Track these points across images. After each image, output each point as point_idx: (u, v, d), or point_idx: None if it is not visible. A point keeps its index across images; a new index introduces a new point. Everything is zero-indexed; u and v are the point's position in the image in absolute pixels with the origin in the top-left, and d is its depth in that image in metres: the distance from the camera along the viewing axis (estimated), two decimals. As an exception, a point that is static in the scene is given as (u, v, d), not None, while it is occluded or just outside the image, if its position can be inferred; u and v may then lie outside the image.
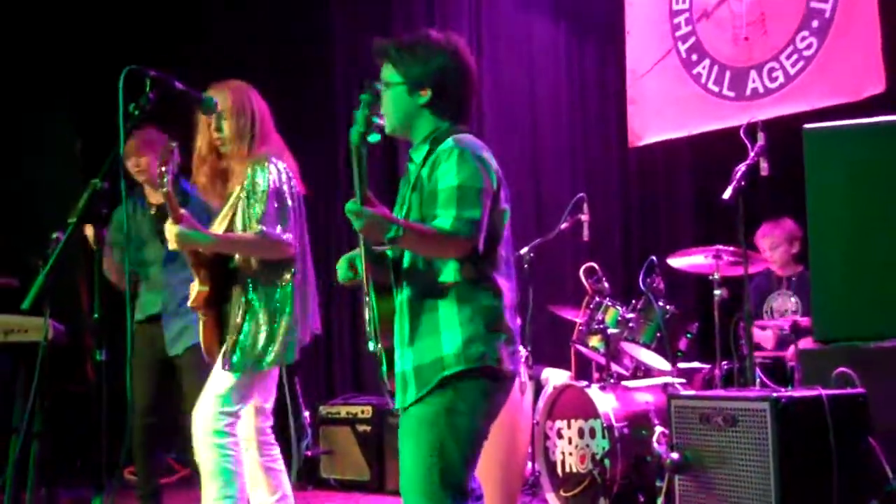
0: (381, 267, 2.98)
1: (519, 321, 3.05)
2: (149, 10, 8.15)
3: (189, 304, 4.02)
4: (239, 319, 3.93)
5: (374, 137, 2.83)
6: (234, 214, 4.00)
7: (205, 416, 3.93)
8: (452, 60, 2.99)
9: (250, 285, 3.96)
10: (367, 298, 3.03)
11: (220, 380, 3.94)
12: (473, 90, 3.05)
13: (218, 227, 4.02)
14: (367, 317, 3.09)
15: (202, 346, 4.07)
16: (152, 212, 5.07)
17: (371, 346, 3.08)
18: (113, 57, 7.02)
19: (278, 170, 3.99)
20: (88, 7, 8.10)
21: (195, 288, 3.98)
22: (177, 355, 4.89)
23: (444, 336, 2.85)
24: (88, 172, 3.44)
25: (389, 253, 2.97)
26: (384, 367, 3.01)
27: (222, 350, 3.96)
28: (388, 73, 3.00)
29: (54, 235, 4.07)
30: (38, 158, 8.06)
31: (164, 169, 3.73)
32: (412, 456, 2.88)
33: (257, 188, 3.93)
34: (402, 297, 2.94)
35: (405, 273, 2.93)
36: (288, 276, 3.99)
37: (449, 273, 2.87)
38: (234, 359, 3.91)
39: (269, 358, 3.93)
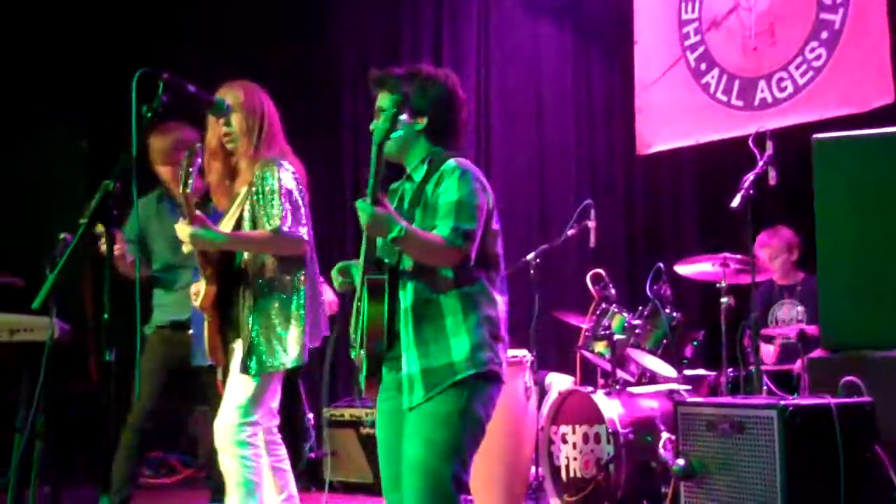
0: (377, 272, 3.11)
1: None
2: (158, 10, 8.17)
3: (197, 304, 4.01)
4: (249, 322, 3.93)
5: (395, 134, 3.03)
6: (241, 215, 4.00)
7: (227, 426, 3.93)
8: (447, 91, 3.24)
9: (260, 287, 3.95)
10: (359, 303, 3.17)
11: (238, 388, 3.94)
12: (463, 120, 3.31)
13: (225, 226, 4.02)
14: (353, 323, 3.25)
15: (206, 347, 4.06)
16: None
17: (353, 353, 3.25)
18: (120, 58, 7.07)
19: (288, 172, 4.00)
20: (97, 8, 8.11)
21: (202, 288, 3.97)
22: (202, 366, 4.72)
23: (452, 342, 3.05)
24: (95, 173, 3.43)
25: (387, 259, 3.11)
26: (364, 373, 3.18)
27: (238, 355, 3.96)
28: (386, 100, 3.22)
29: (62, 236, 4.05)
30: (45, 158, 8.05)
31: (190, 170, 3.76)
32: (424, 453, 3.01)
33: (267, 189, 3.93)
34: (406, 303, 3.09)
35: (410, 281, 3.09)
36: (298, 279, 3.99)
37: (454, 284, 3.08)
38: (252, 363, 3.91)
39: (283, 360, 3.92)
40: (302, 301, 3.98)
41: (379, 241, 3.09)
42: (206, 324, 4.04)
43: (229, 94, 4.01)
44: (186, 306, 4.85)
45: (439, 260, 3.04)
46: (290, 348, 3.93)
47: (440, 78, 3.26)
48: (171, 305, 5.06)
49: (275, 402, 4.23)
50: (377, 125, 3.03)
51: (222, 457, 3.95)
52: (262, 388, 3.95)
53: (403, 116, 3.02)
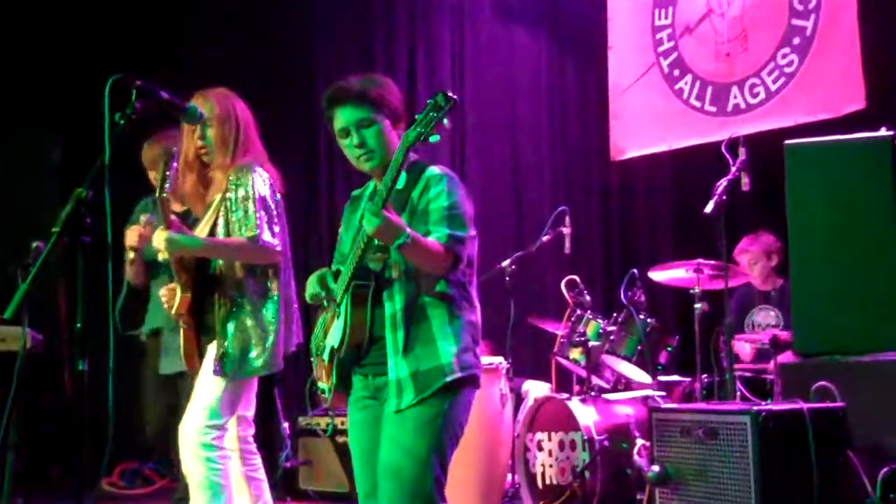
0: (362, 279, 3.10)
1: None
2: (131, 18, 8.13)
3: (172, 311, 3.99)
4: (224, 328, 3.91)
5: (434, 138, 2.87)
6: (215, 222, 3.99)
7: (193, 428, 3.89)
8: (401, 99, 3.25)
9: (235, 292, 3.94)
10: (337, 308, 3.16)
11: (207, 391, 3.91)
12: None
13: (199, 233, 4.00)
14: (321, 329, 3.27)
15: (182, 354, 4.03)
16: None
17: (324, 357, 3.23)
18: (94, 65, 7.03)
19: (262, 178, 3.99)
20: (70, 16, 8.07)
21: (178, 294, 3.95)
22: (178, 373, 4.64)
23: (440, 345, 3.06)
24: (67, 181, 3.41)
25: (373, 266, 3.10)
26: (334, 382, 3.18)
27: (213, 356, 3.93)
28: (365, 112, 3.14)
29: (35, 245, 4.03)
30: (17, 166, 8.01)
31: (168, 174, 3.78)
32: (405, 460, 3.01)
33: (240, 195, 3.92)
34: (393, 309, 3.08)
35: (397, 287, 3.09)
36: (273, 284, 3.98)
37: (440, 289, 3.09)
38: (225, 366, 3.89)
39: (258, 364, 3.91)
40: (276, 307, 3.97)
41: (362, 247, 3.04)
42: (181, 331, 4.02)
43: (204, 106, 3.99)
44: (161, 314, 4.80)
45: (436, 265, 3.04)
46: (263, 354, 3.91)
47: (394, 84, 3.27)
48: (153, 314, 5.09)
49: (250, 412, 4.21)
50: (412, 130, 2.86)
51: (186, 459, 3.90)
52: (231, 392, 3.93)
53: (446, 122, 2.85)
